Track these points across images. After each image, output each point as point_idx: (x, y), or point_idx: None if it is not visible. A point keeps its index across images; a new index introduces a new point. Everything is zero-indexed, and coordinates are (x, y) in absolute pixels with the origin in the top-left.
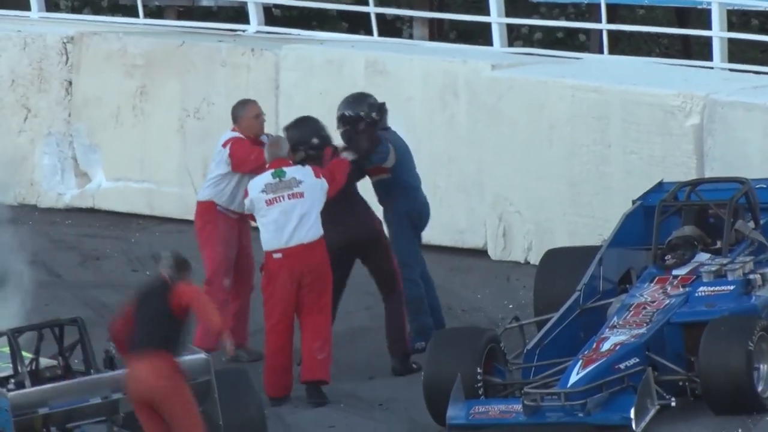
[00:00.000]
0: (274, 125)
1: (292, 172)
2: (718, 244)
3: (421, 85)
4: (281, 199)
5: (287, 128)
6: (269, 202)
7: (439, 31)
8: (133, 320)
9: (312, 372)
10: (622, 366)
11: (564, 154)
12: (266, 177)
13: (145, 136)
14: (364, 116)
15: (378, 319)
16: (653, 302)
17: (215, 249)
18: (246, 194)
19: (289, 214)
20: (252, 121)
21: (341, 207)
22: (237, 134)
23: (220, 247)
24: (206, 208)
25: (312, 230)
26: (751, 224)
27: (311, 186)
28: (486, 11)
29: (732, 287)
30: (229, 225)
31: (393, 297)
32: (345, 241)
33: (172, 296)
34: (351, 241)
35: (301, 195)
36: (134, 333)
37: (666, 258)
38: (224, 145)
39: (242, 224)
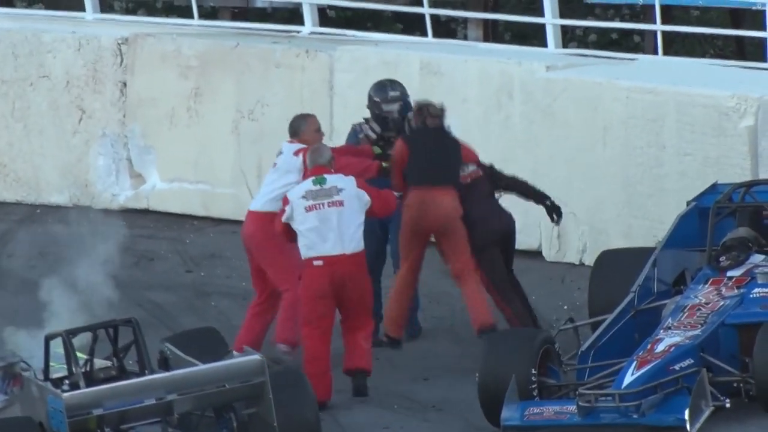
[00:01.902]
0: (329, 126)
1: (334, 180)
2: None
3: (476, 87)
4: (321, 206)
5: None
6: (308, 209)
7: (493, 33)
8: (425, 155)
9: (354, 360)
10: (676, 367)
11: (618, 155)
12: (307, 184)
13: (199, 138)
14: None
15: (432, 320)
16: (708, 304)
17: (289, 257)
18: (286, 202)
19: (328, 222)
20: (313, 134)
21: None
22: (304, 145)
23: (292, 253)
24: (267, 220)
25: (354, 241)
26: None
27: (352, 195)
28: (540, 12)
29: None
30: None
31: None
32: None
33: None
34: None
35: (341, 203)
36: (430, 167)
37: (720, 259)
38: (296, 154)
39: None
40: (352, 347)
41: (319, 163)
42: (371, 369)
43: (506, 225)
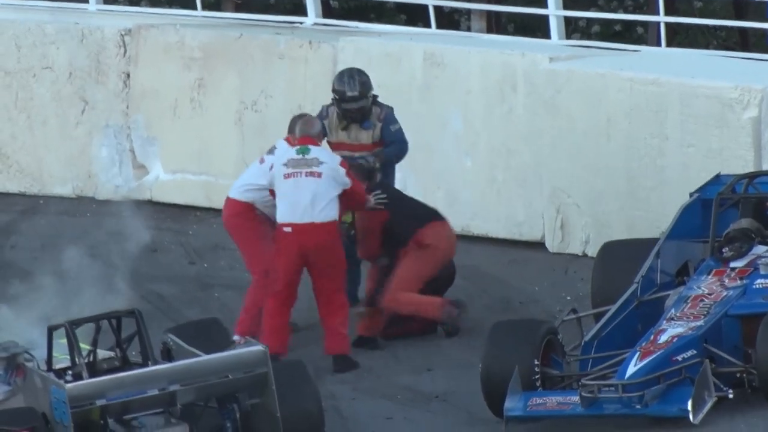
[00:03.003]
0: None
1: (317, 152)
2: None
3: (480, 78)
4: (298, 174)
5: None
6: (287, 176)
7: (496, 24)
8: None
9: (337, 346)
10: (679, 358)
11: (622, 146)
12: (291, 152)
13: (202, 129)
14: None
15: None
16: (711, 294)
17: (261, 245)
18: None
19: (302, 191)
20: None
21: None
22: None
23: (264, 242)
24: (244, 208)
25: (325, 211)
26: None
27: (331, 169)
28: (544, 4)
29: None
30: (264, 221)
31: None
32: None
33: None
34: None
35: (319, 175)
36: (418, 206)
37: (723, 250)
38: None
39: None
40: (331, 334)
41: (308, 134)
42: (350, 351)
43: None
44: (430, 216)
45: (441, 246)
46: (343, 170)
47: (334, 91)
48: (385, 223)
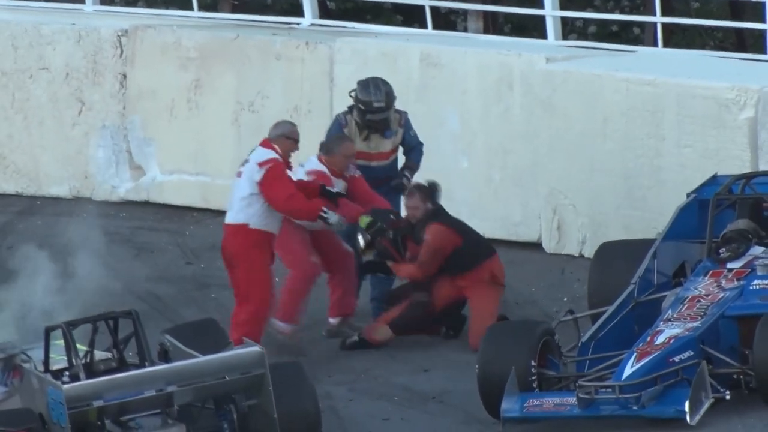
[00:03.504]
0: (329, 119)
1: (257, 151)
2: None
3: (476, 78)
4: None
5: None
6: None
7: (493, 25)
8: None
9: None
10: (676, 359)
11: (618, 147)
12: None
13: (199, 129)
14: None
15: None
16: (708, 295)
17: (293, 246)
18: None
19: (231, 192)
20: (343, 159)
21: None
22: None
23: (300, 245)
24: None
25: (236, 212)
26: None
27: (249, 170)
28: (540, 4)
29: None
30: (298, 227)
31: None
32: None
33: None
34: None
35: (240, 174)
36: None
37: (720, 251)
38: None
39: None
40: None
41: (268, 136)
42: (259, 339)
43: None
44: (491, 249)
45: (504, 282)
46: (258, 168)
47: (358, 101)
48: (456, 247)
